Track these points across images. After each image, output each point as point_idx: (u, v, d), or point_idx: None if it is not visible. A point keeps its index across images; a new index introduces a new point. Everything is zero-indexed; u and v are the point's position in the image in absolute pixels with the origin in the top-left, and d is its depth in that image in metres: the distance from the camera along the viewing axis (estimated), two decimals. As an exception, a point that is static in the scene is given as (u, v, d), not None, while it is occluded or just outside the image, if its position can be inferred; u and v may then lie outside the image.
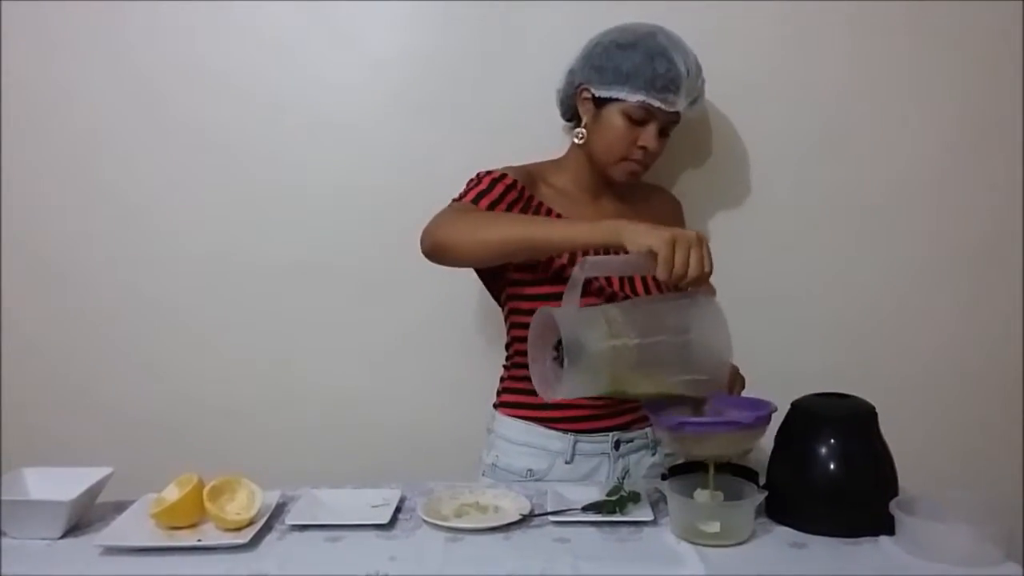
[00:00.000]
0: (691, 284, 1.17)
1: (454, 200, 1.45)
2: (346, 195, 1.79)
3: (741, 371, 1.42)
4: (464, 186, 1.47)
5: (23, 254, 1.80)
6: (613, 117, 1.46)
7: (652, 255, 1.15)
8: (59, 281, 1.81)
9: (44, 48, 1.75)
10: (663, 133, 1.48)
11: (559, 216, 1.50)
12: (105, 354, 1.82)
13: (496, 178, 1.45)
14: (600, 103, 1.47)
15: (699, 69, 1.47)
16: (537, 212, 1.49)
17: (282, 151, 1.78)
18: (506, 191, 1.44)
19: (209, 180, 1.79)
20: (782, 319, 1.79)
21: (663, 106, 1.43)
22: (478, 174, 1.48)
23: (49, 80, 1.76)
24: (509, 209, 1.43)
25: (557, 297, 1.22)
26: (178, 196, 1.79)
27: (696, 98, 1.48)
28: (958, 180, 1.78)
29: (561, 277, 1.40)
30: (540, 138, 1.62)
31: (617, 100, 1.45)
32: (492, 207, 1.41)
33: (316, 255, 1.80)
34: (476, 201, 1.41)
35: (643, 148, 1.46)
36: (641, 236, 1.17)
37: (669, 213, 1.66)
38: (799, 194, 1.79)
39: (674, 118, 1.47)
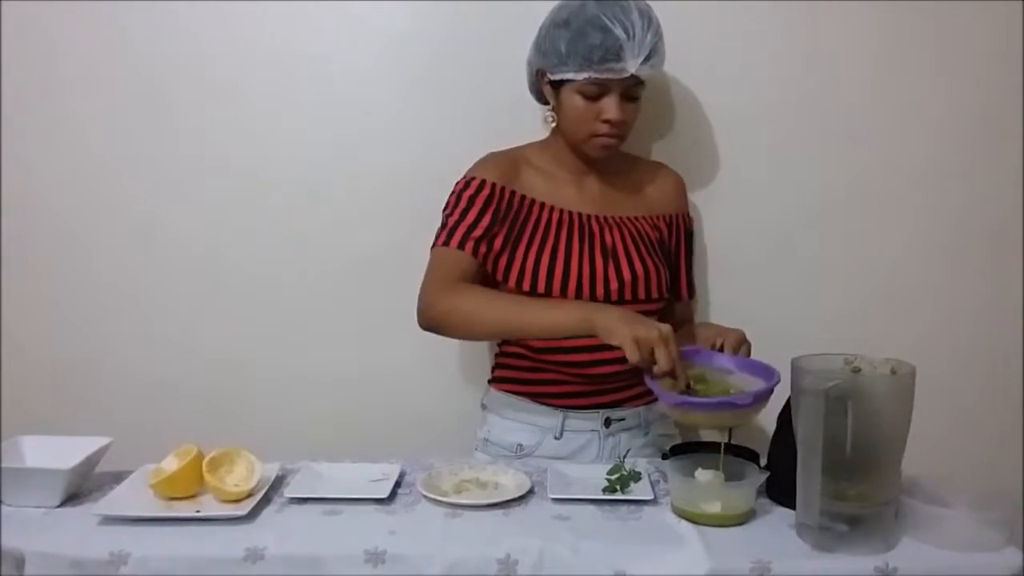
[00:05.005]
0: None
1: (439, 232, 1.47)
2: (349, 176, 1.77)
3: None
4: (449, 196, 1.50)
5: (22, 233, 1.78)
6: (570, 97, 1.43)
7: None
8: (59, 255, 1.79)
9: (43, 47, 1.73)
10: (629, 99, 1.43)
11: (543, 204, 1.50)
12: (106, 325, 1.81)
13: (473, 194, 1.47)
14: (556, 86, 1.45)
15: (647, 25, 1.38)
16: (520, 206, 1.49)
17: (285, 132, 1.76)
18: (484, 206, 1.46)
19: (210, 161, 1.77)
20: (786, 308, 1.78)
21: (611, 76, 1.38)
22: (456, 189, 1.50)
23: (48, 79, 1.74)
24: (494, 217, 1.46)
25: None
26: (181, 174, 1.77)
27: (650, 55, 1.38)
28: (961, 173, 1.77)
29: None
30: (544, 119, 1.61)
31: (569, 80, 1.42)
32: (473, 227, 1.44)
33: (317, 235, 1.79)
34: (463, 231, 1.44)
35: (607, 121, 1.42)
36: (611, 335, 1.23)
37: (667, 191, 1.61)
38: (803, 183, 1.78)
39: (633, 82, 1.41)
